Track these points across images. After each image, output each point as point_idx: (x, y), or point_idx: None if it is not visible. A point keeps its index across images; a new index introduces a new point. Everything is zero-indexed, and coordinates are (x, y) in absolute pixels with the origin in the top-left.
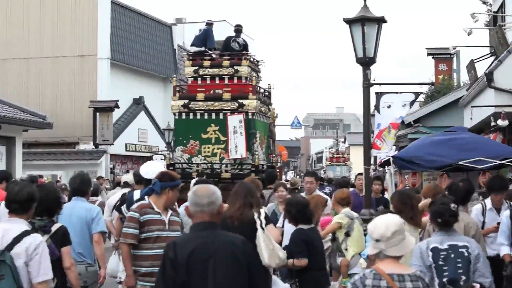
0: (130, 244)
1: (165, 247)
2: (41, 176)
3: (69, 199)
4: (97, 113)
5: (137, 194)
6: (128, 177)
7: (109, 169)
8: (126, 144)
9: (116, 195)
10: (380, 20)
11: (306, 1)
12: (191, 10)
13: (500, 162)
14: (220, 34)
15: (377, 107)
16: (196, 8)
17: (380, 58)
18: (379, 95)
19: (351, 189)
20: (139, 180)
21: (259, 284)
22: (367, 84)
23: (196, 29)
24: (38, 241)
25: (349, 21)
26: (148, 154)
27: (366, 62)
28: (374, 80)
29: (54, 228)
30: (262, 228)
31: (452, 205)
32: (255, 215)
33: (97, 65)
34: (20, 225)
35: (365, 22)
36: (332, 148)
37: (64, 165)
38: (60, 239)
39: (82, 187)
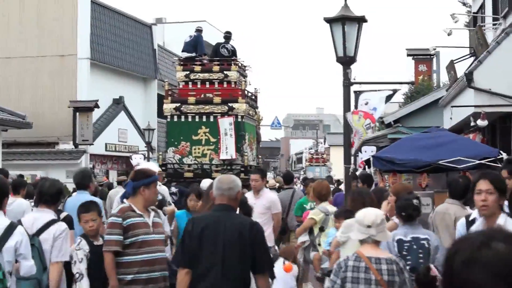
0: (114, 252)
1: (186, 223)
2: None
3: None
4: (77, 113)
5: None
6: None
7: (89, 169)
8: (106, 144)
9: (120, 193)
10: (361, 20)
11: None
12: (171, 10)
13: (479, 162)
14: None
15: (355, 106)
16: (176, 8)
17: (360, 57)
18: (358, 93)
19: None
20: None
21: (262, 260)
22: (347, 83)
23: (176, 29)
24: (62, 228)
25: (330, 21)
26: (128, 154)
27: (346, 61)
28: (355, 79)
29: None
30: None
31: (414, 201)
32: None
33: (77, 65)
34: (48, 214)
35: (345, 22)
36: (311, 149)
37: (43, 165)
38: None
39: (84, 181)
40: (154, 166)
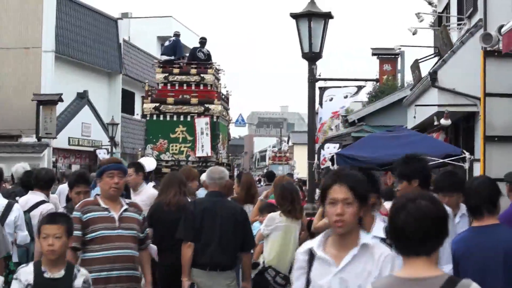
0: (73, 248)
1: (189, 203)
2: None
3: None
4: (41, 106)
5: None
6: None
7: (52, 162)
8: (69, 138)
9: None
10: (327, 16)
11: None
12: (137, 5)
13: (443, 160)
14: (167, 30)
15: (320, 102)
16: (142, 3)
17: (325, 54)
18: (322, 89)
19: None
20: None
21: (249, 241)
22: (312, 79)
23: (141, 24)
24: (49, 208)
25: (296, 16)
26: (91, 149)
27: (312, 57)
28: (320, 75)
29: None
30: None
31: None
32: (189, 200)
33: (42, 58)
34: (40, 196)
35: (311, 18)
36: (275, 147)
37: (6, 158)
38: None
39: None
40: (152, 162)
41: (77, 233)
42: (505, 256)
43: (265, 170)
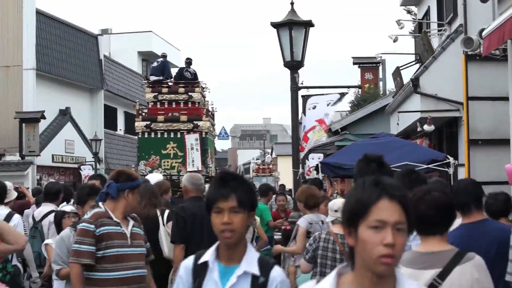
0: (83, 265)
1: (177, 209)
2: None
3: None
4: (23, 124)
5: None
6: None
7: (36, 180)
8: (52, 155)
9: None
10: (308, 24)
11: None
12: (117, 21)
13: (427, 166)
14: (147, 45)
15: (303, 110)
16: (121, 19)
17: (307, 63)
18: (305, 98)
19: None
20: None
21: None
22: (295, 88)
23: (122, 40)
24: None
25: (277, 25)
26: (75, 165)
27: (294, 65)
28: (302, 83)
29: None
30: (164, 225)
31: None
32: (158, 213)
33: (23, 75)
34: (50, 207)
35: (292, 26)
36: (258, 159)
37: None
38: None
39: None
40: (159, 177)
41: (91, 248)
42: (498, 246)
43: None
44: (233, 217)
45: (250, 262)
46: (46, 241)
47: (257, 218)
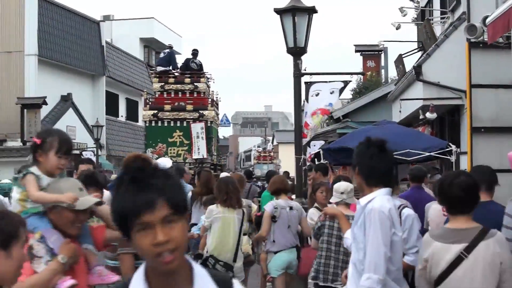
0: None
1: None
2: None
3: None
4: (25, 110)
5: None
6: None
7: None
8: None
9: None
10: (311, 10)
11: None
12: (119, 7)
13: (429, 154)
14: (149, 32)
15: (306, 97)
16: (123, 5)
17: (310, 49)
18: (308, 84)
19: None
20: None
21: None
22: (298, 74)
23: (124, 26)
24: None
25: (280, 11)
26: (77, 152)
27: (297, 52)
28: (305, 70)
29: None
30: None
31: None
32: None
33: (24, 61)
34: None
35: (295, 12)
36: (259, 147)
37: None
38: None
39: None
40: (168, 161)
41: None
42: (495, 226)
43: (250, 169)
44: (169, 231)
45: (205, 286)
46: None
47: (254, 206)
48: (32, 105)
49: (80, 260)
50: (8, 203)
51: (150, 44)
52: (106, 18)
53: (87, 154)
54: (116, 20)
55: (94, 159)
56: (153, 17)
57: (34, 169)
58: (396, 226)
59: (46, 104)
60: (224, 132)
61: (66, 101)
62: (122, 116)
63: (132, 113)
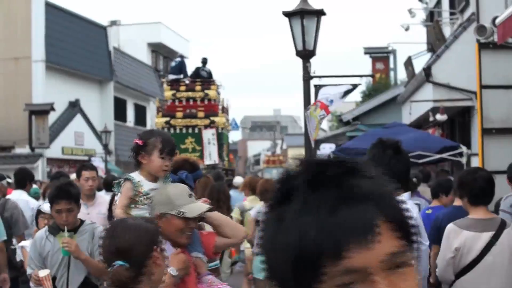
0: None
1: None
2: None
3: None
4: (33, 116)
5: None
6: None
7: (46, 172)
8: (62, 148)
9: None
10: (319, 13)
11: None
12: (126, 12)
13: (439, 156)
14: (156, 37)
15: (316, 100)
16: (130, 10)
17: (319, 52)
18: (318, 87)
19: None
20: None
21: None
22: (307, 77)
23: (131, 31)
24: None
25: (288, 14)
26: (85, 158)
27: (306, 55)
28: (314, 73)
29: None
30: None
31: None
32: None
33: (32, 67)
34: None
35: (304, 15)
36: (268, 151)
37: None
38: None
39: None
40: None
41: None
42: None
43: (259, 174)
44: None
45: None
46: (21, 244)
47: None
48: (40, 112)
49: (191, 271)
50: (29, 207)
51: (157, 49)
52: (113, 23)
53: (95, 160)
54: (123, 25)
55: (103, 165)
56: (160, 22)
57: (135, 174)
58: (422, 235)
59: (54, 110)
60: (233, 136)
61: (74, 107)
62: (130, 121)
63: (141, 118)
